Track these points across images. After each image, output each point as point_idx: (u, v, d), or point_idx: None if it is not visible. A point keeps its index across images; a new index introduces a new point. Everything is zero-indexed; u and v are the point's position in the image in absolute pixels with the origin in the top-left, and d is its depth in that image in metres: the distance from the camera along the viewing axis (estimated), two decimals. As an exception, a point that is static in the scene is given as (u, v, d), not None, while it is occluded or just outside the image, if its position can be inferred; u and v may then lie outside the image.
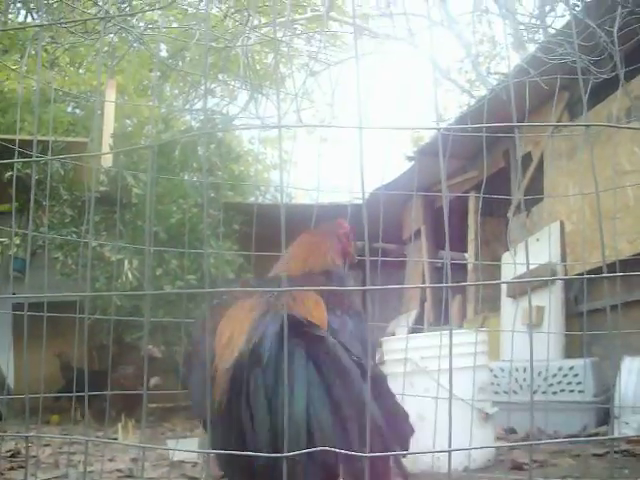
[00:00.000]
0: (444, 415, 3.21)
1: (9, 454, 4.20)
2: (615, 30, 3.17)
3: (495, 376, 5.02)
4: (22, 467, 3.73)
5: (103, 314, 5.93)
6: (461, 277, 7.75)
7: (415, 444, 3.26)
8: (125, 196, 6.10)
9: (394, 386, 3.68)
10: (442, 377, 3.34)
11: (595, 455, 3.55)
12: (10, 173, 6.73)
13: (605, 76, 3.26)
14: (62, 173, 6.75)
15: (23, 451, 4.28)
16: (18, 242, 5.68)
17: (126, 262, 5.74)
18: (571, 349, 5.56)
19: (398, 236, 9.19)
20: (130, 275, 5.89)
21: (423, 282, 8.52)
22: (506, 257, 6.75)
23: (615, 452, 3.60)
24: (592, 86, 3.56)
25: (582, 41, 3.33)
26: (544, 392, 4.81)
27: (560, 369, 4.84)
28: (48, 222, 5.76)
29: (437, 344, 3.42)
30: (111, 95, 8.76)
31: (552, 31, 5.10)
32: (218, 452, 1.49)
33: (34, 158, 1.18)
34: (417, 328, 8.26)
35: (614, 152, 5.09)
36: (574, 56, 3.09)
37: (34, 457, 3.99)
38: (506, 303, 6.37)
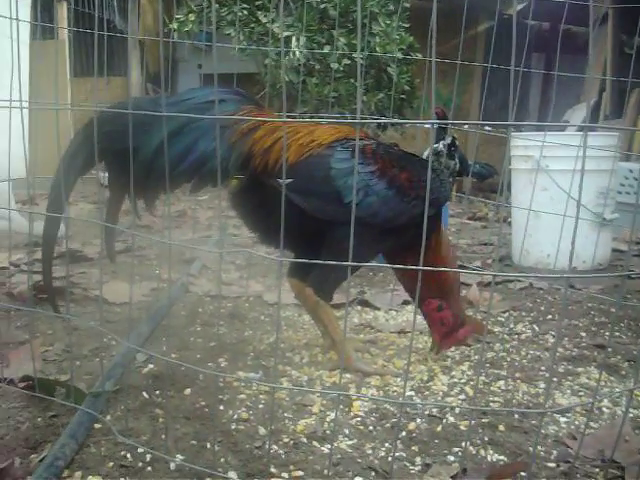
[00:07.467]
0: (558, 215, 3.31)
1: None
2: None
3: (635, 179, 4.87)
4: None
5: (273, 89, 6.27)
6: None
7: (528, 243, 3.42)
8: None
9: (516, 183, 3.76)
10: (562, 178, 3.35)
11: None
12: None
13: None
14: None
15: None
16: (193, 18, 6.02)
17: (294, 39, 5.92)
18: None
19: (584, 18, 8.49)
20: (297, 53, 6.10)
21: (605, 70, 7.99)
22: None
23: None
24: None
25: None
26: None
27: None
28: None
29: (560, 144, 3.36)
30: None
31: None
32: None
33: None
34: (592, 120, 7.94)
35: None
36: None
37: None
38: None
